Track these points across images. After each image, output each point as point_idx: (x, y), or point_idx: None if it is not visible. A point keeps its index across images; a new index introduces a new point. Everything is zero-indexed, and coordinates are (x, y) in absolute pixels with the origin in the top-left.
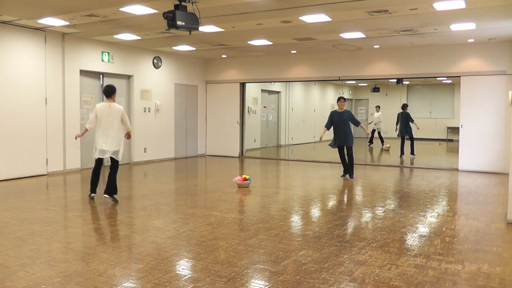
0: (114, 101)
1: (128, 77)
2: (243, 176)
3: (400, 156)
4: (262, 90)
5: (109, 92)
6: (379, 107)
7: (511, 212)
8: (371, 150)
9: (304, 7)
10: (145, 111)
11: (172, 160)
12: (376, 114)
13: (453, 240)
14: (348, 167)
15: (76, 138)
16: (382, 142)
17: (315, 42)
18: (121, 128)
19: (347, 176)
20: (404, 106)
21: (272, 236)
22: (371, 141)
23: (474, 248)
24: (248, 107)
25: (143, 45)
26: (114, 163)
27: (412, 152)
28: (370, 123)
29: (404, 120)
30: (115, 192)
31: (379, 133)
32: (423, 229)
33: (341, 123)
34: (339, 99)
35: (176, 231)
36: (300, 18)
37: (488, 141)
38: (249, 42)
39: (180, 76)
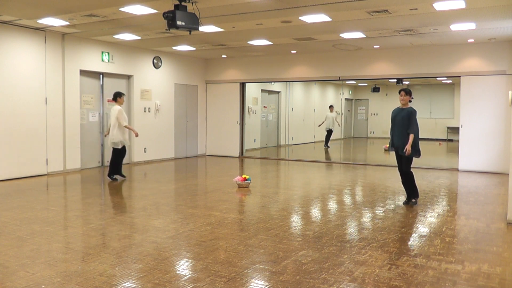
0: (118, 103)
1: (128, 77)
2: (243, 176)
3: None
4: (262, 90)
5: (114, 96)
6: (332, 107)
7: (511, 212)
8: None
9: (304, 7)
10: (145, 111)
11: (172, 160)
12: (330, 114)
13: (453, 240)
14: (409, 188)
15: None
16: (327, 143)
17: (315, 42)
18: (117, 125)
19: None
20: None
21: (272, 236)
22: (326, 144)
23: (474, 248)
24: (248, 107)
25: (143, 45)
26: (113, 150)
27: None
28: (320, 125)
29: None
30: (114, 173)
31: (330, 133)
32: (423, 229)
33: (399, 123)
34: (399, 91)
35: (176, 231)
36: (300, 18)
37: (488, 141)
38: (249, 42)
39: (180, 76)
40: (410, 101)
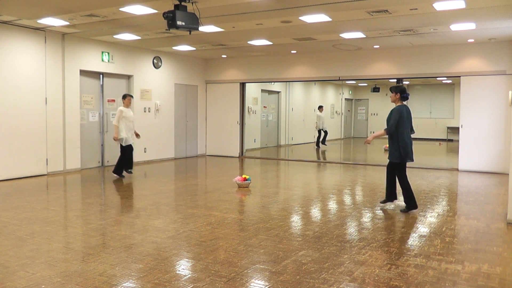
0: (124, 104)
1: (128, 77)
2: (243, 176)
3: None
4: (262, 90)
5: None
6: (322, 107)
7: (511, 212)
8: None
9: (304, 7)
10: (145, 111)
11: (172, 160)
12: (321, 115)
13: (453, 240)
14: (404, 195)
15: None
16: (323, 143)
17: (315, 42)
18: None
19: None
20: None
21: (272, 236)
22: (323, 142)
23: (474, 248)
24: (248, 107)
25: (143, 45)
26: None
27: None
28: (317, 127)
29: None
30: (125, 168)
31: (326, 133)
32: (423, 229)
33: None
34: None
35: (176, 231)
36: (300, 18)
37: (488, 141)
38: (249, 42)
39: (180, 76)
40: (403, 99)
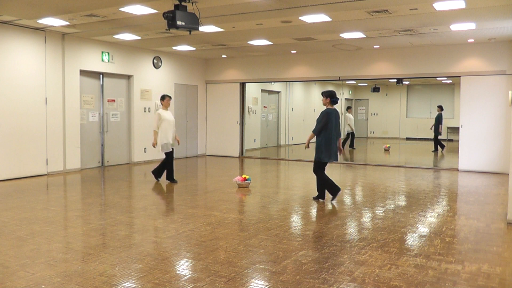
0: (162, 106)
1: (128, 77)
2: (243, 176)
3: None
4: (262, 90)
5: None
6: (350, 108)
7: (511, 212)
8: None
9: (304, 7)
10: (145, 111)
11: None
12: (350, 116)
13: (453, 240)
14: (317, 185)
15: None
16: (351, 146)
17: (315, 42)
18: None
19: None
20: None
21: (272, 236)
22: (352, 146)
23: (474, 248)
24: (248, 107)
25: (143, 45)
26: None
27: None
28: (351, 130)
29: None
30: (167, 177)
31: (353, 136)
32: (423, 229)
33: None
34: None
35: (176, 231)
36: (300, 18)
37: (488, 141)
38: (249, 42)
39: (180, 76)
40: (333, 103)
